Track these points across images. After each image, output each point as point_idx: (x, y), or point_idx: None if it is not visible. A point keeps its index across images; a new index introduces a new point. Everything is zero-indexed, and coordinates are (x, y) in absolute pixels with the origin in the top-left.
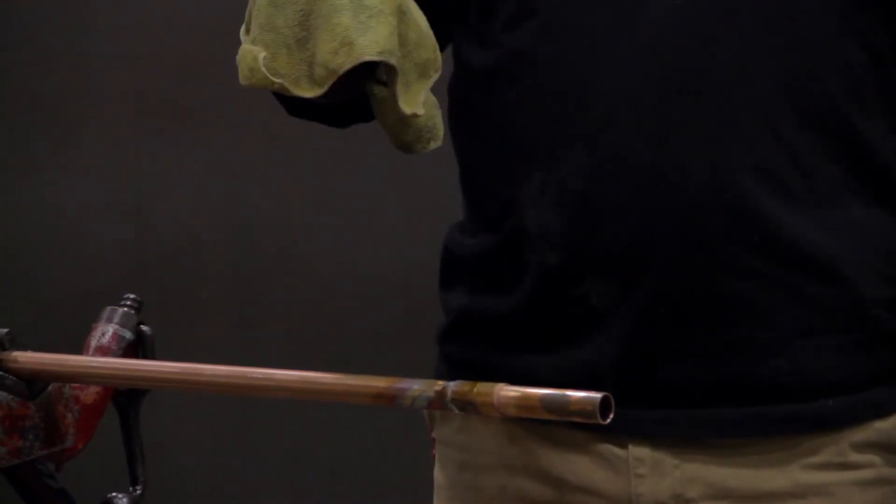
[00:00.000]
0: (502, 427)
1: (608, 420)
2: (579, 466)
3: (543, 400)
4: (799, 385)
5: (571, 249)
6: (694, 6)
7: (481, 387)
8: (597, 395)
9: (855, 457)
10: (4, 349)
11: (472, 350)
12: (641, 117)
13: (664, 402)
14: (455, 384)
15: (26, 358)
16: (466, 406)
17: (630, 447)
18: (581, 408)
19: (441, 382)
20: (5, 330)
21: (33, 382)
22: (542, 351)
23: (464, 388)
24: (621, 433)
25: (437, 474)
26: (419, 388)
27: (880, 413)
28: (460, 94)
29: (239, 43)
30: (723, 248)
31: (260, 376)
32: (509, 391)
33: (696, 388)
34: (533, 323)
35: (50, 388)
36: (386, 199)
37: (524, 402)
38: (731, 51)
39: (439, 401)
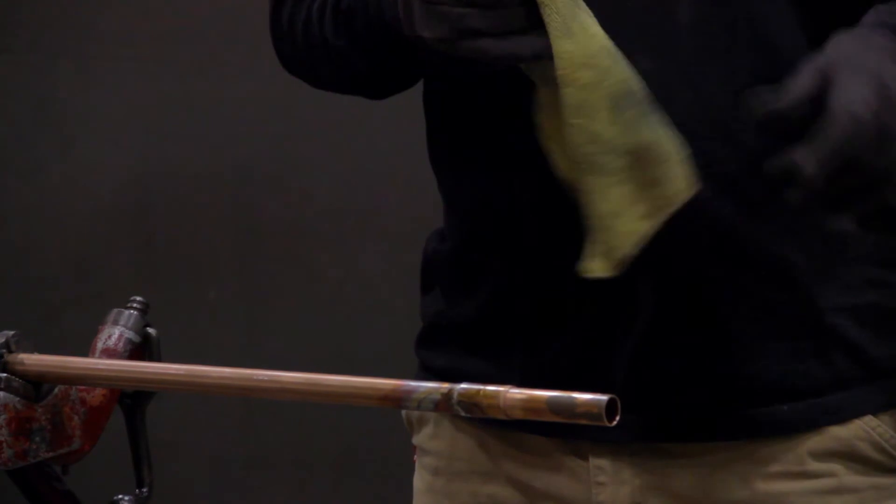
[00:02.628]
0: (474, 434)
1: (615, 422)
2: (544, 473)
3: (550, 402)
4: (753, 390)
5: (531, 256)
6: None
7: (487, 389)
8: (603, 398)
9: (814, 465)
10: (11, 351)
11: (443, 356)
12: None
13: (624, 406)
14: (461, 387)
15: (32, 360)
16: (472, 408)
17: (591, 457)
18: (587, 410)
19: (447, 385)
20: (11, 332)
21: (40, 384)
22: (504, 356)
23: (470, 390)
24: (583, 439)
25: (416, 480)
26: (425, 390)
27: (837, 419)
28: (433, 96)
29: (242, 43)
30: (677, 252)
31: (266, 378)
32: (515, 393)
33: (651, 393)
34: (496, 328)
35: (56, 390)
36: (392, 200)
37: (530, 404)
38: (684, 57)
39: (445, 403)
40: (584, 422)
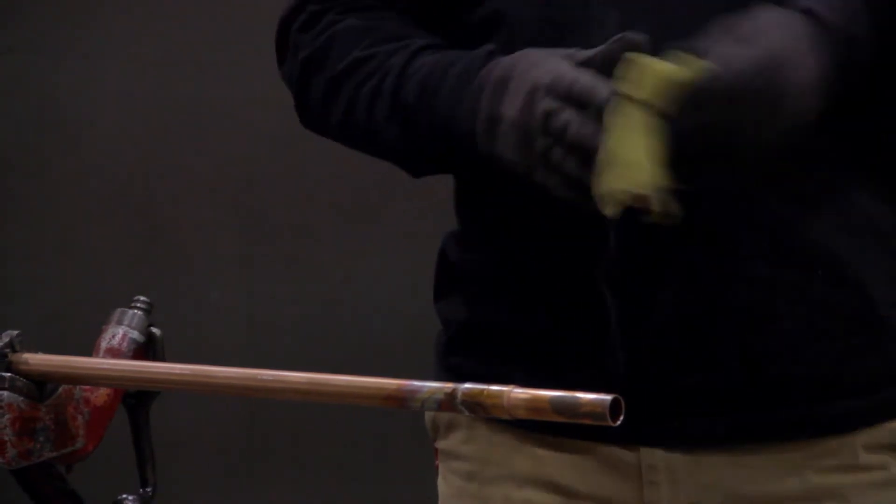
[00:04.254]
0: (510, 437)
1: (618, 422)
2: (589, 475)
3: (553, 402)
4: (810, 389)
5: (572, 263)
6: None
7: (491, 389)
8: (607, 397)
9: (867, 458)
10: (15, 351)
11: (478, 362)
12: None
13: (677, 411)
14: (465, 386)
15: (36, 360)
16: (476, 408)
17: (642, 453)
18: (591, 409)
19: (451, 385)
20: (15, 332)
21: (43, 384)
22: (553, 363)
23: (474, 390)
24: (632, 443)
25: (441, 485)
26: (429, 390)
27: (893, 414)
28: None
29: (246, 42)
30: (730, 254)
31: (270, 378)
32: (519, 393)
33: (708, 396)
34: (541, 336)
35: (60, 389)
36: (395, 200)
37: (533, 403)
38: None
39: (449, 403)
40: (587, 422)
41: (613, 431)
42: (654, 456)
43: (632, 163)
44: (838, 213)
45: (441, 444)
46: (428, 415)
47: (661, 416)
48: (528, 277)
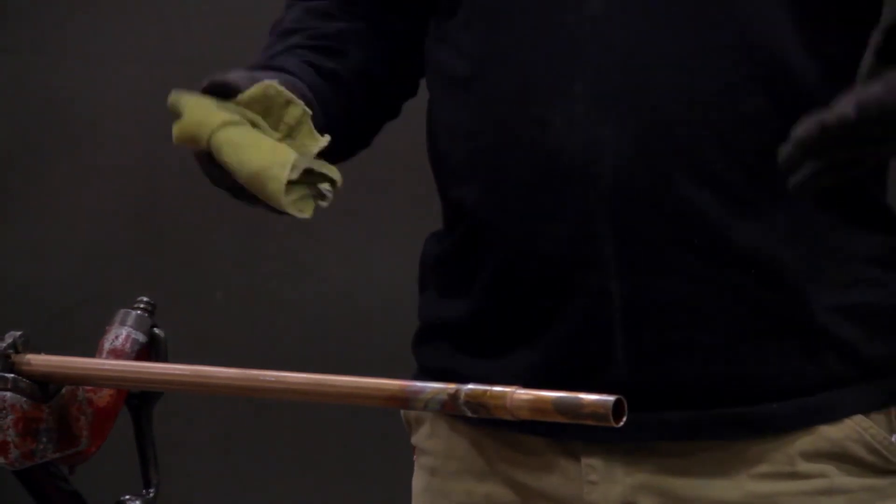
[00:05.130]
0: (469, 433)
1: (621, 423)
2: (537, 472)
3: (556, 402)
4: (743, 389)
5: (512, 253)
6: (638, 6)
7: (494, 390)
8: (609, 398)
9: (805, 466)
10: (18, 352)
11: (439, 356)
12: (578, 120)
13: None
14: (468, 387)
15: (39, 361)
16: (479, 409)
17: (582, 456)
18: (594, 410)
19: (454, 385)
20: (18, 333)
21: (46, 385)
22: (494, 355)
23: (477, 391)
24: (575, 439)
25: (414, 480)
26: (432, 391)
27: (829, 418)
28: (430, 95)
29: (248, 42)
30: (666, 251)
31: (272, 379)
32: (522, 394)
33: (641, 392)
34: (483, 327)
35: (63, 390)
36: (398, 200)
37: (537, 404)
38: (669, 53)
39: (452, 404)
40: (590, 422)
41: (559, 427)
42: (592, 457)
43: None
44: (785, 220)
45: (413, 440)
46: (403, 411)
47: None
48: (474, 269)
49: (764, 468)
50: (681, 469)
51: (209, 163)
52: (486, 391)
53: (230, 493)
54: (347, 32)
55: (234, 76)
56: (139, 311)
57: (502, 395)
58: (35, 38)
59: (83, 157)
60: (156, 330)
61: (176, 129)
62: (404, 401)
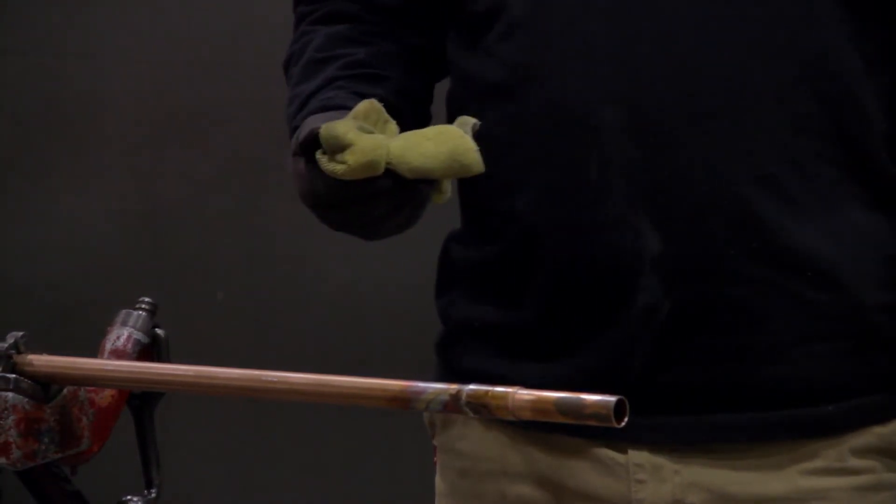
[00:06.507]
0: (503, 434)
1: (623, 423)
2: (578, 472)
3: (558, 403)
4: (798, 390)
5: (570, 260)
6: (687, 11)
7: (496, 390)
8: (611, 399)
9: (855, 462)
10: (20, 352)
11: (475, 358)
12: (638, 127)
13: (663, 408)
14: (470, 388)
15: (41, 361)
16: (481, 409)
17: (629, 452)
18: (596, 411)
19: (456, 386)
20: (20, 333)
21: (48, 385)
22: (544, 359)
23: (478, 391)
24: (620, 440)
25: (438, 481)
26: (434, 391)
27: (881, 418)
28: (458, 105)
29: (250, 43)
30: (723, 254)
31: (274, 379)
32: (524, 394)
33: (695, 394)
34: (535, 332)
35: (65, 391)
36: None
37: (538, 405)
38: (725, 57)
39: (454, 404)
40: (592, 423)
41: (602, 429)
42: (640, 454)
43: None
44: (831, 220)
45: (438, 441)
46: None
47: (647, 413)
48: (524, 276)
49: (815, 464)
50: (730, 466)
51: (344, 187)
52: (487, 392)
53: (232, 493)
54: (379, 55)
55: (321, 120)
56: (141, 312)
57: (504, 396)
58: (36, 39)
59: (85, 157)
60: (157, 330)
61: (352, 159)
62: (406, 401)
